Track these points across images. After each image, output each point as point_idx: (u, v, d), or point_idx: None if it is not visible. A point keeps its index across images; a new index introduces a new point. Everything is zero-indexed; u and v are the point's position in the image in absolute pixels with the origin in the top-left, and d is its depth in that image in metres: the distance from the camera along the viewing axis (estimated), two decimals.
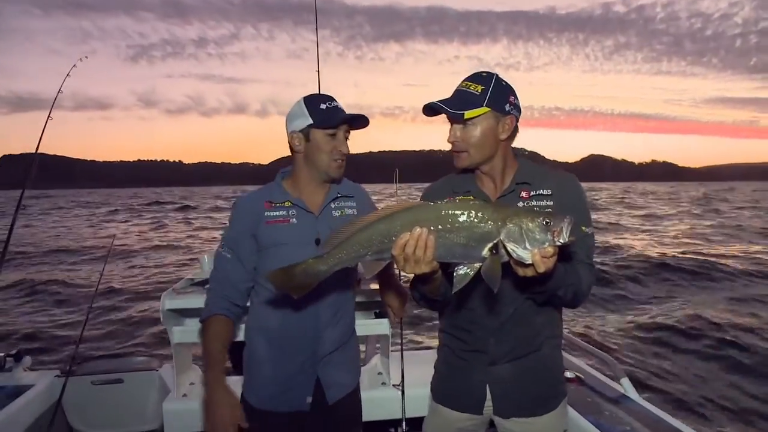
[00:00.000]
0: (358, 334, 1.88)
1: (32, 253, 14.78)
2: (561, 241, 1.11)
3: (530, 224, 1.11)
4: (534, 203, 1.42)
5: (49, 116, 2.89)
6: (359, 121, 1.64)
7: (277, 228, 1.61)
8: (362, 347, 3.53)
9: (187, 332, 2.40)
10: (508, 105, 1.41)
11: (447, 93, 1.44)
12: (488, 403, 1.53)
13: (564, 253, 1.34)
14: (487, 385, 1.51)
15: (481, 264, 1.16)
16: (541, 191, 1.44)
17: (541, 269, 1.11)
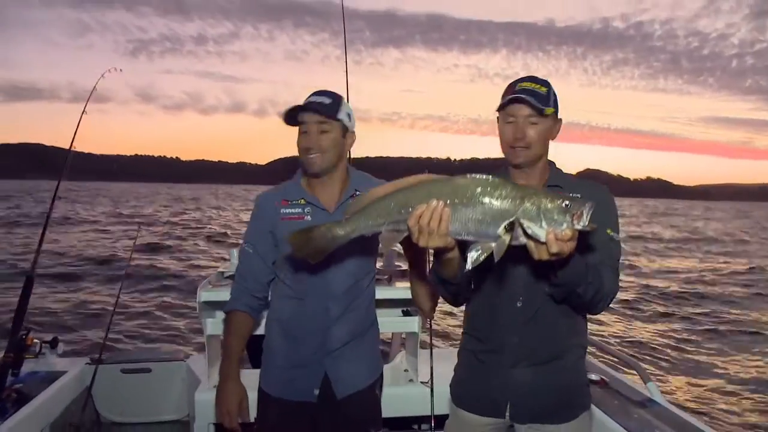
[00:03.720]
0: (386, 331, 1.83)
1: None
2: (580, 225, 1.08)
3: (549, 204, 1.09)
4: None
5: (84, 111, 2.86)
6: (306, 111, 1.61)
7: (292, 224, 1.64)
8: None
9: (219, 324, 2.38)
10: (558, 110, 1.48)
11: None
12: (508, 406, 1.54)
13: (586, 250, 1.35)
14: (506, 390, 1.51)
15: (494, 245, 1.13)
16: (572, 195, 1.40)
17: (554, 249, 1.09)
